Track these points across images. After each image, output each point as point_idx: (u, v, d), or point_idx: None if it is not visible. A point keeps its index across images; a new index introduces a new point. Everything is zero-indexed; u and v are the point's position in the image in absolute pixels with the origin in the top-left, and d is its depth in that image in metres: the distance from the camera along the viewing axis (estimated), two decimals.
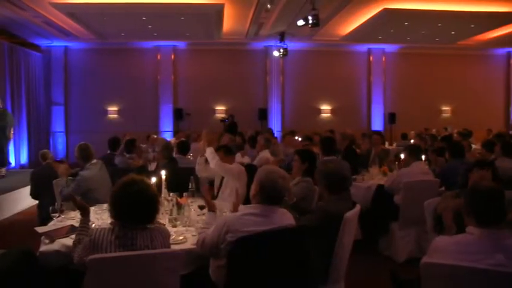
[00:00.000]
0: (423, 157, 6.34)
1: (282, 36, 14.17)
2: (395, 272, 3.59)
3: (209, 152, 5.17)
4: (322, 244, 3.31)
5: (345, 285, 3.53)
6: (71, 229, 3.55)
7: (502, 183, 4.76)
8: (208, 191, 3.66)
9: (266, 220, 2.85)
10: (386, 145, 9.95)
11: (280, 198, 2.98)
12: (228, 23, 13.24)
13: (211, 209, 3.47)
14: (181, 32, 14.00)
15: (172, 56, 16.40)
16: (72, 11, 11.36)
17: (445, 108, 18.16)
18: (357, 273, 4.35)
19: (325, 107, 17.38)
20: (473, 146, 9.32)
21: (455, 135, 11.96)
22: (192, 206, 4.14)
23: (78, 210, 3.43)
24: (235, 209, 3.42)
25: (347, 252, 3.45)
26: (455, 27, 13.42)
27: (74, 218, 3.99)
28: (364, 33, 14.17)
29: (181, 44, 16.29)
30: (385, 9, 11.86)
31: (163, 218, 3.79)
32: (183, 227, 3.70)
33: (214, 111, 16.66)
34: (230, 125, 14.71)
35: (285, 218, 2.99)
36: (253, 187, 2.99)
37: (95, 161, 5.23)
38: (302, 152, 5.19)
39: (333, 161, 5.42)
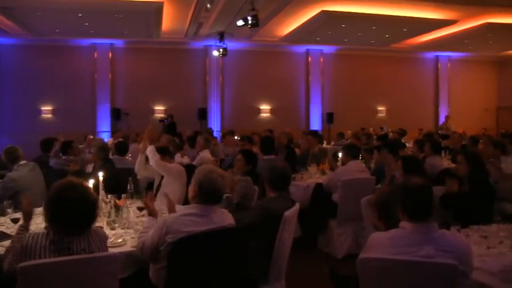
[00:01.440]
0: (360, 156, 6.54)
1: (221, 36, 14.16)
2: (334, 268, 3.68)
3: (150, 150, 5.10)
4: (263, 242, 3.36)
5: (286, 283, 3.59)
6: (0, 236, 3.39)
7: (431, 179, 5.05)
8: (151, 198, 3.56)
9: (206, 220, 2.85)
10: (324, 144, 10.18)
11: (219, 198, 2.99)
12: (167, 21, 13.08)
13: (153, 215, 3.39)
14: (119, 30, 13.66)
15: (110, 55, 15.96)
16: (2, 5, 10.79)
17: (380, 108, 18.86)
18: (297, 270, 4.43)
19: (265, 107, 17.55)
20: (407, 145, 9.72)
21: (390, 134, 12.43)
22: (131, 208, 4.06)
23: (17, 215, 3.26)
24: (170, 210, 3.38)
25: (287, 250, 3.51)
26: (389, 30, 13.97)
27: (3, 223, 3.80)
28: (302, 34, 14.44)
29: (119, 42, 15.89)
30: (323, 12, 12.15)
31: (101, 221, 3.69)
32: (122, 229, 3.62)
33: (153, 111, 16.39)
34: (169, 125, 14.53)
35: (224, 217, 3.01)
36: (191, 187, 2.97)
37: (24, 162, 4.97)
38: (247, 153, 5.23)
39: (276, 160, 5.50)
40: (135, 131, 11.95)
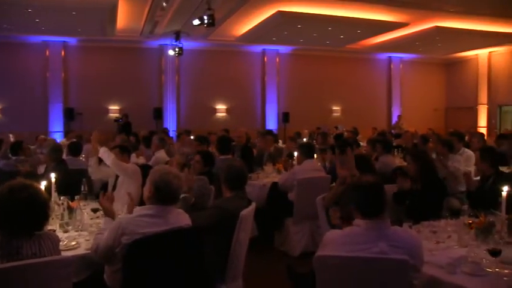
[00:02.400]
0: (315, 155, 6.62)
1: (177, 35, 14.05)
2: (291, 266, 3.72)
3: (103, 151, 5.00)
4: (219, 242, 3.36)
5: (243, 282, 3.61)
6: None
7: (384, 177, 5.18)
8: (108, 199, 3.46)
9: (162, 221, 2.82)
10: (280, 144, 10.28)
11: (176, 199, 2.97)
12: (122, 19, 12.83)
13: (110, 215, 3.30)
14: (72, 27, 13.22)
15: (63, 53, 15.48)
16: None
17: (335, 108, 19.19)
18: (254, 269, 4.45)
19: (221, 107, 17.52)
20: (361, 144, 9.94)
21: (345, 133, 12.67)
22: (85, 210, 3.98)
23: None
24: (130, 211, 3.33)
25: (244, 249, 3.52)
26: (344, 31, 14.25)
27: None
28: (258, 34, 14.51)
29: (72, 40, 15.44)
30: (279, 12, 12.25)
31: (53, 223, 3.59)
32: (76, 231, 3.54)
33: (107, 111, 16.05)
34: (124, 125, 14.28)
35: (181, 218, 2.99)
36: (147, 188, 2.92)
37: None
38: (206, 154, 5.22)
39: (232, 159, 5.51)
40: (89, 131, 11.64)
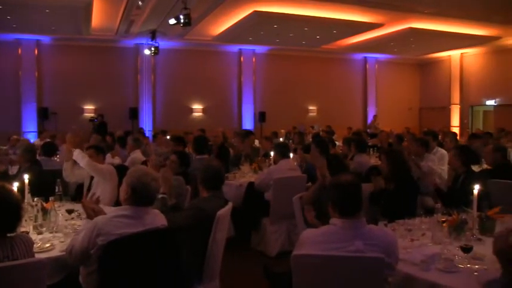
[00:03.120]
0: (291, 154, 6.65)
1: (153, 35, 13.94)
2: (268, 265, 3.73)
3: (77, 153, 4.92)
4: (196, 243, 3.35)
5: (220, 282, 3.60)
6: None
7: (360, 177, 5.24)
8: (91, 201, 3.40)
9: (138, 222, 2.80)
10: (257, 143, 10.29)
11: (152, 200, 2.95)
12: (98, 18, 12.66)
13: (92, 218, 3.19)
14: (46, 25, 12.99)
15: (36, 51, 15.20)
16: None
17: (311, 107, 19.32)
18: (231, 269, 4.45)
19: (197, 106, 17.46)
20: (337, 143, 10.03)
21: (321, 133, 12.77)
22: (60, 211, 3.91)
23: None
24: (98, 212, 3.25)
25: (220, 249, 3.52)
26: (319, 32, 14.35)
27: None
28: (235, 34, 14.50)
29: (45, 39, 15.15)
30: (256, 12, 12.27)
31: (27, 225, 3.52)
32: (50, 233, 3.48)
33: (82, 111, 15.83)
34: (99, 124, 14.09)
35: (157, 218, 2.97)
36: (123, 189, 2.89)
37: None
38: (182, 154, 5.19)
39: (209, 159, 5.49)
40: (64, 131, 11.49)
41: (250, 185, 6.19)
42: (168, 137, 10.31)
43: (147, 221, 2.85)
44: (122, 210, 2.86)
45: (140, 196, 2.84)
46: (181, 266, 3.00)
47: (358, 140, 7.33)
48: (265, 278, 3.62)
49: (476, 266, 2.64)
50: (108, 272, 2.67)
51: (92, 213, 3.20)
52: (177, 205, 4.13)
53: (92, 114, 15.38)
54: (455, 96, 19.81)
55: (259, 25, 13.34)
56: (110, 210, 3.06)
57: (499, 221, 3.45)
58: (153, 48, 14.05)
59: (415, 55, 19.50)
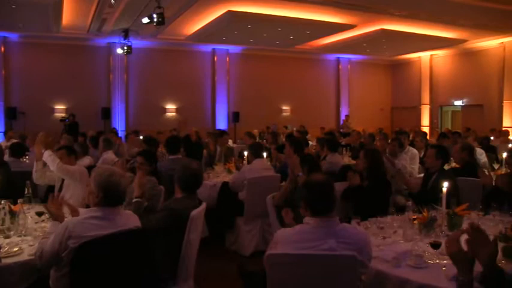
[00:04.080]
0: (264, 154, 6.67)
1: (126, 33, 13.78)
2: (242, 265, 3.73)
3: (47, 155, 4.80)
4: (170, 243, 3.32)
5: (194, 282, 3.58)
6: None
7: (333, 176, 5.29)
8: (55, 202, 3.32)
9: (110, 223, 2.76)
10: (230, 143, 10.30)
11: (123, 199, 2.91)
12: (68, 15, 12.45)
13: (58, 219, 3.16)
14: (13, 22, 12.66)
15: (3, 49, 14.83)
16: None
17: (285, 107, 19.42)
18: (205, 269, 4.43)
19: (170, 106, 17.37)
20: (310, 143, 10.12)
21: (295, 133, 12.83)
22: (29, 213, 3.83)
23: None
24: (73, 214, 3.21)
25: (195, 249, 3.50)
26: (293, 32, 14.43)
27: None
28: (208, 33, 14.46)
29: (13, 36, 14.82)
30: (229, 12, 12.26)
31: None
32: (18, 236, 3.38)
33: (53, 110, 15.55)
34: (71, 125, 13.87)
35: (130, 220, 2.94)
36: (93, 192, 2.83)
37: None
38: (147, 153, 5.12)
39: (190, 160, 5.45)
40: (33, 131, 11.26)
41: (224, 185, 6.18)
42: (141, 137, 10.22)
43: (120, 222, 2.82)
44: (93, 212, 2.80)
45: (112, 196, 2.80)
46: (155, 267, 2.97)
47: (331, 140, 7.40)
48: (239, 278, 3.61)
49: (445, 261, 2.70)
50: (80, 275, 2.62)
51: (57, 215, 3.15)
52: (151, 207, 4.09)
53: (63, 114, 15.14)
54: (425, 97, 20.23)
55: (233, 25, 13.33)
56: (82, 212, 3.00)
57: (465, 217, 3.56)
58: (125, 48, 13.90)
59: (387, 56, 19.84)
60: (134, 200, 3.64)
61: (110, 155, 6.95)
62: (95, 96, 16.10)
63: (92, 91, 16.09)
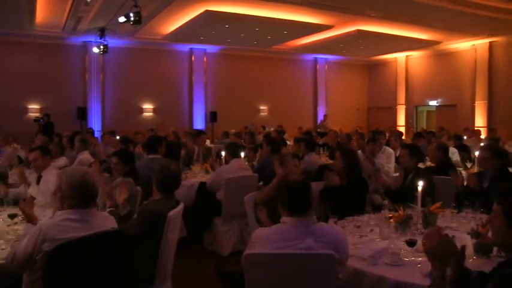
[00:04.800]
0: (242, 154, 6.67)
1: (102, 32, 13.59)
2: (220, 265, 3.72)
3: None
4: (148, 245, 3.30)
5: (172, 283, 3.57)
6: None
7: (310, 175, 5.33)
8: (28, 204, 3.25)
9: (86, 225, 2.70)
10: (208, 143, 10.27)
11: (93, 197, 2.84)
12: (42, 13, 12.22)
13: (32, 221, 3.10)
14: None
15: None
16: None
17: (262, 107, 19.45)
18: (183, 270, 4.42)
19: (147, 106, 17.22)
20: (288, 143, 10.16)
21: (272, 132, 12.87)
22: (1, 216, 3.75)
23: None
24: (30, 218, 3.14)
25: (172, 250, 3.48)
26: (271, 32, 14.46)
27: None
28: (186, 33, 14.39)
29: None
30: (207, 11, 12.23)
31: None
32: None
33: (26, 110, 15.25)
34: (46, 125, 13.61)
35: (106, 221, 2.90)
36: (65, 194, 2.76)
37: None
38: (122, 153, 5.07)
39: (169, 161, 5.40)
40: (6, 131, 11.07)
41: (202, 185, 6.16)
42: (117, 137, 10.12)
43: (95, 224, 2.76)
44: (67, 214, 2.73)
45: (82, 196, 2.74)
46: (133, 269, 2.94)
47: (308, 140, 7.45)
48: (217, 278, 3.61)
49: (420, 259, 2.75)
50: (54, 279, 2.56)
51: (31, 216, 3.09)
52: (130, 212, 4.04)
53: (37, 114, 14.83)
54: (401, 97, 20.52)
55: (211, 25, 13.30)
56: (57, 214, 2.94)
57: (440, 215, 3.63)
58: (102, 47, 13.71)
59: (363, 56, 20.05)
60: (107, 210, 3.57)
61: (86, 156, 6.85)
62: (71, 95, 15.85)
63: (67, 90, 15.84)
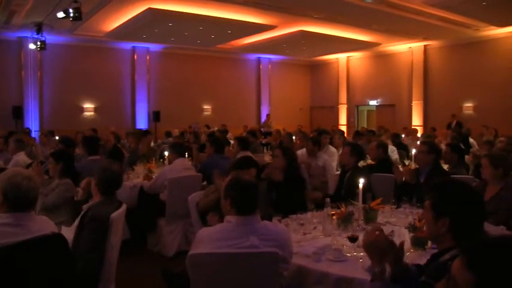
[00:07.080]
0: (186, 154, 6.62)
1: (39, 28, 13.01)
2: (165, 266, 3.69)
3: None
4: (91, 248, 3.21)
5: (116, 286, 3.49)
6: None
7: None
8: None
9: (22, 229, 2.60)
10: (151, 143, 10.12)
11: (31, 203, 2.73)
12: None
13: None
14: None
15: None
16: None
17: (206, 106, 19.38)
18: (127, 272, 4.33)
19: (88, 105, 16.72)
20: (231, 142, 10.17)
21: (216, 132, 12.85)
22: None
23: None
24: None
25: (116, 253, 3.41)
26: (214, 31, 14.41)
27: None
28: (128, 31, 14.08)
29: None
30: (150, 9, 12.02)
31: None
32: None
33: None
34: None
35: (45, 225, 2.80)
36: None
37: None
38: (58, 153, 4.91)
39: (109, 162, 5.27)
40: None
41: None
42: (56, 138, 9.78)
43: (34, 228, 2.65)
44: (2, 219, 2.62)
45: (14, 198, 2.63)
46: (75, 273, 2.85)
47: (240, 138, 7.54)
48: (163, 280, 3.57)
49: (361, 254, 2.83)
50: None
51: None
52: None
53: None
54: (343, 97, 21.06)
55: (154, 23, 13.08)
56: None
57: (380, 211, 3.77)
58: (39, 43, 13.12)
59: (306, 57, 20.40)
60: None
61: (22, 157, 6.55)
62: (5, 94, 15.08)
63: (2, 89, 15.06)
